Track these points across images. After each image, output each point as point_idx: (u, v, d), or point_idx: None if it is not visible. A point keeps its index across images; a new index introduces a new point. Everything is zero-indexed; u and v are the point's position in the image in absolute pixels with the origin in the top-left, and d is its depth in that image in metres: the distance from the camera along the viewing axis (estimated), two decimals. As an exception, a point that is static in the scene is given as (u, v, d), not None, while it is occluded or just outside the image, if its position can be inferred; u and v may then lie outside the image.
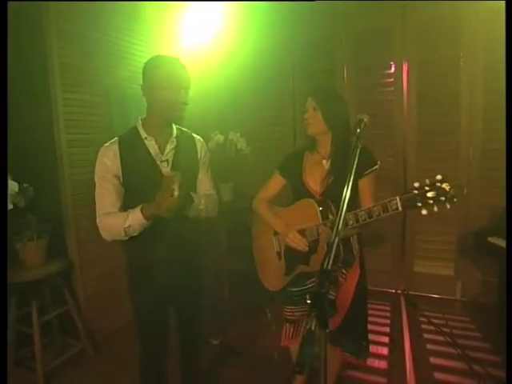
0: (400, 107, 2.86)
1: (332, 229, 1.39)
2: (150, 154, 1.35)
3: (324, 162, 1.58)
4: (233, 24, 3.09)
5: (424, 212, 1.18)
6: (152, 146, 1.35)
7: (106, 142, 1.33)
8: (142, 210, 1.22)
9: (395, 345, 2.32)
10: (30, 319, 2.08)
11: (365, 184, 1.53)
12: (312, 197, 1.55)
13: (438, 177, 1.16)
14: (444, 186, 1.13)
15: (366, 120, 1.23)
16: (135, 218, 1.23)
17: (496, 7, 2.44)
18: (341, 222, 0.96)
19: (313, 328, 0.73)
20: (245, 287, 2.97)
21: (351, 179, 1.04)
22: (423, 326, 2.53)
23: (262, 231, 1.72)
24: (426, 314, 2.66)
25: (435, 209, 1.15)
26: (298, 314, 1.66)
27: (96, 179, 1.30)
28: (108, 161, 1.27)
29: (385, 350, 2.27)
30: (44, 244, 2.14)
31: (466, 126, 2.69)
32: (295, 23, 3.06)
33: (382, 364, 2.14)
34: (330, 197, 1.51)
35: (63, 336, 2.37)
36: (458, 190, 1.13)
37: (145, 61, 1.33)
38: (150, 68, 1.30)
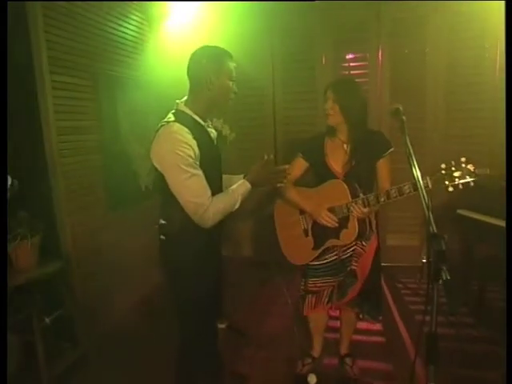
0: (374, 95, 3.12)
1: (365, 206, 1.56)
2: (213, 141, 1.37)
3: (345, 146, 1.71)
4: (213, 11, 3.07)
5: (450, 189, 1.40)
6: (211, 132, 1.37)
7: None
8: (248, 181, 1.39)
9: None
10: (23, 326, 1.89)
11: (382, 165, 1.71)
12: (335, 178, 1.68)
13: (463, 159, 1.38)
14: (469, 166, 1.35)
15: (401, 108, 1.37)
16: (245, 190, 1.37)
17: (456, 10, 2.80)
18: (426, 198, 1.08)
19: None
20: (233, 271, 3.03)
21: (415, 164, 1.16)
22: (402, 292, 2.89)
23: (285, 212, 1.82)
24: (402, 280, 3.03)
25: (460, 186, 1.38)
26: (321, 284, 1.81)
27: (181, 168, 1.20)
28: (192, 147, 1.22)
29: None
30: (38, 242, 1.95)
31: (431, 114, 3.06)
32: (275, 11, 3.12)
33: (377, 326, 2.41)
34: (353, 177, 1.66)
35: (59, 340, 2.19)
36: (483, 169, 1.35)
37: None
38: (222, 60, 1.33)
